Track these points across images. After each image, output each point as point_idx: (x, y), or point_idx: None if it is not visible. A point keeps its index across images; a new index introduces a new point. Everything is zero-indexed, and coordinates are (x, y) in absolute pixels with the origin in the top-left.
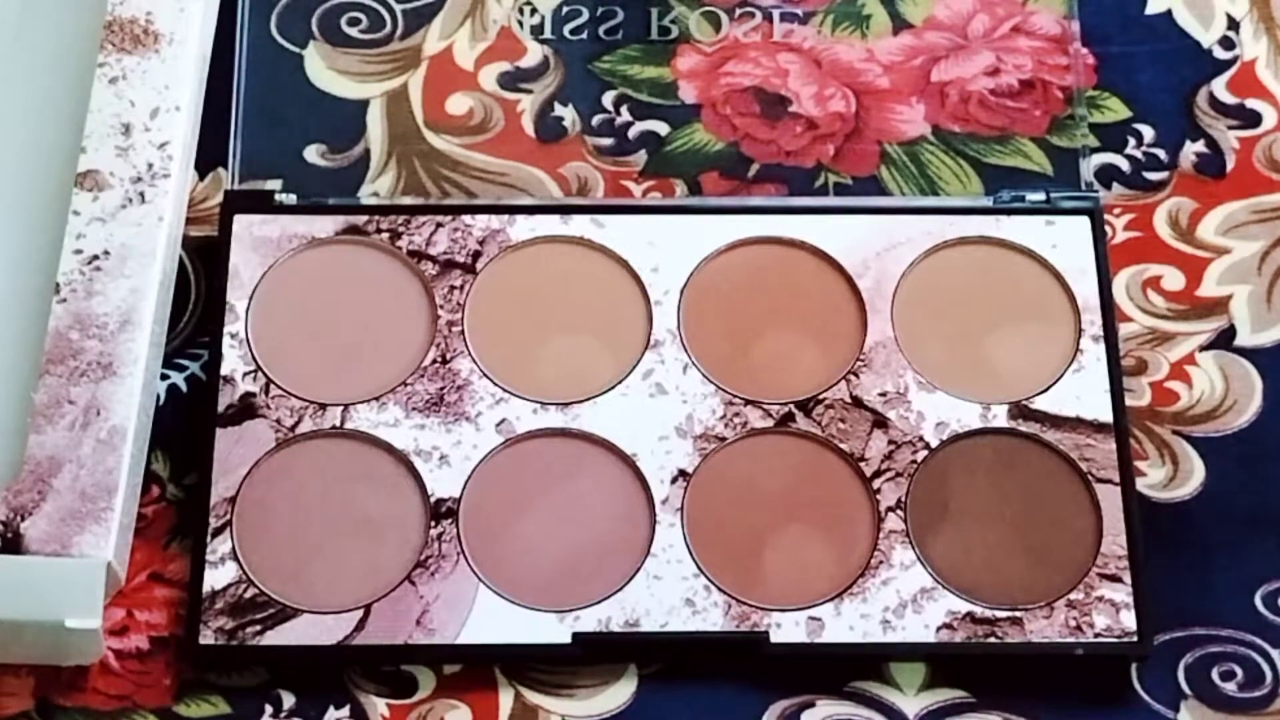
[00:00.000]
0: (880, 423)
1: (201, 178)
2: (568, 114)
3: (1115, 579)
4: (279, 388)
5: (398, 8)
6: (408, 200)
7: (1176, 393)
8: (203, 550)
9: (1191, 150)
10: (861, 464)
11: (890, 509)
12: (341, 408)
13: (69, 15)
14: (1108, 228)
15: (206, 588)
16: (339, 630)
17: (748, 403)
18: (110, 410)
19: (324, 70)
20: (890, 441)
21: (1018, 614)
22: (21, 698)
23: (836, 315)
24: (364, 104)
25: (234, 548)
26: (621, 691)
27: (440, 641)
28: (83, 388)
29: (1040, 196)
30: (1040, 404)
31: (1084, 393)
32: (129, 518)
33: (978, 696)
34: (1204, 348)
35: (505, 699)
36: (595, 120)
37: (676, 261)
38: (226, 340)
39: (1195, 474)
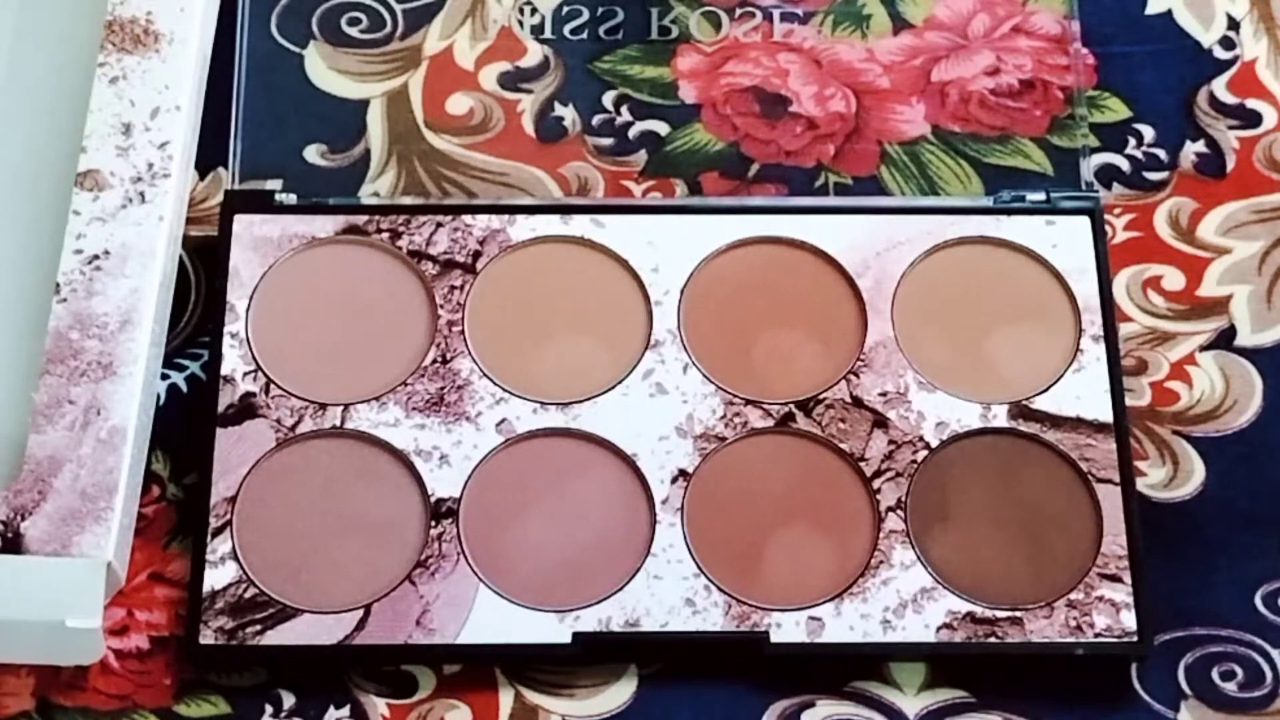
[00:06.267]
0: (880, 423)
1: (201, 178)
2: (568, 114)
3: (1115, 579)
4: (279, 387)
5: (398, 8)
6: (408, 200)
7: (1177, 393)
8: (203, 550)
9: (1191, 150)
10: (861, 464)
11: (890, 509)
12: (341, 408)
13: (69, 15)
14: (1108, 228)
15: (206, 588)
16: (339, 630)
17: (748, 403)
18: (110, 410)
19: (324, 70)
20: (890, 441)
21: (1018, 614)
22: (21, 698)
23: (837, 315)
24: (364, 104)
25: (234, 548)
26: (621, 691)
27: (440, 641)
28: (83, 388)
29: (1040, 196)
30: (1040, 404)
31: (1084, 393)
32: (129, 518)
33: (978, 696)
34: (1204, 348)
35: (505, 699)
36: (595, 120)
37: (676, 261)
38: (226, 340)
39: (1195, 474)
